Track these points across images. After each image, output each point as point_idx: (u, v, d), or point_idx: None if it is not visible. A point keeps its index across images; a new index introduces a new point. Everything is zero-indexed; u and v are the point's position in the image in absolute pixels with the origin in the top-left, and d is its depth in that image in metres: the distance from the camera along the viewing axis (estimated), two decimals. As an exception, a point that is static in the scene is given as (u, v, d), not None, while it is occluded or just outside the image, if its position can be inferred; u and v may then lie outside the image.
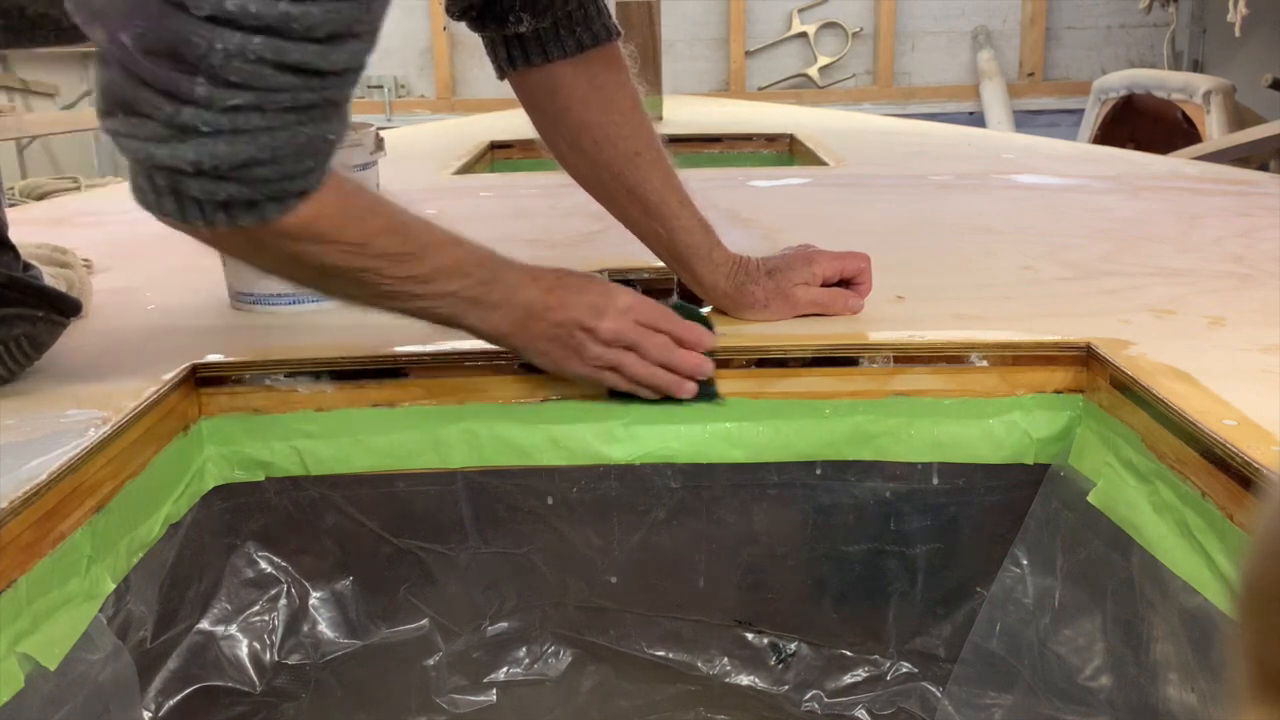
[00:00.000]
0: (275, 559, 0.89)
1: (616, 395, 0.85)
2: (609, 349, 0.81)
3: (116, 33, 0.59)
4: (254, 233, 0.66)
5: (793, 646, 0.92)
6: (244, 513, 0.88)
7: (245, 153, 0.61)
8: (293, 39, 0.59)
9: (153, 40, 0.58)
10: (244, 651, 0.87)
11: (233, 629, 0.87)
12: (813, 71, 5.53)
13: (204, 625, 0.86)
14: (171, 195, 0.63)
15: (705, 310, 0.91)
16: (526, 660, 0.93)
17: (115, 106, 0.62)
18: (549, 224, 1.39)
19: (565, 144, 0.95)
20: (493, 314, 0.78)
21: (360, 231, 0.70)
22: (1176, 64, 5.21)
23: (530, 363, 0.83)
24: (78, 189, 4.04)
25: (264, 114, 0.61)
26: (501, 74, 0.95)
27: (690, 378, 0.84)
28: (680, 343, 0.83)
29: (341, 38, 0.62)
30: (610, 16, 0.93)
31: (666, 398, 0.84)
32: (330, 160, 0.67)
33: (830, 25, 5.51)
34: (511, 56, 0.92)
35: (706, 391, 0.85)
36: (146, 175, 0.63)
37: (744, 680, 0.93)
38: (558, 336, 0.80)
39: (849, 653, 0.92)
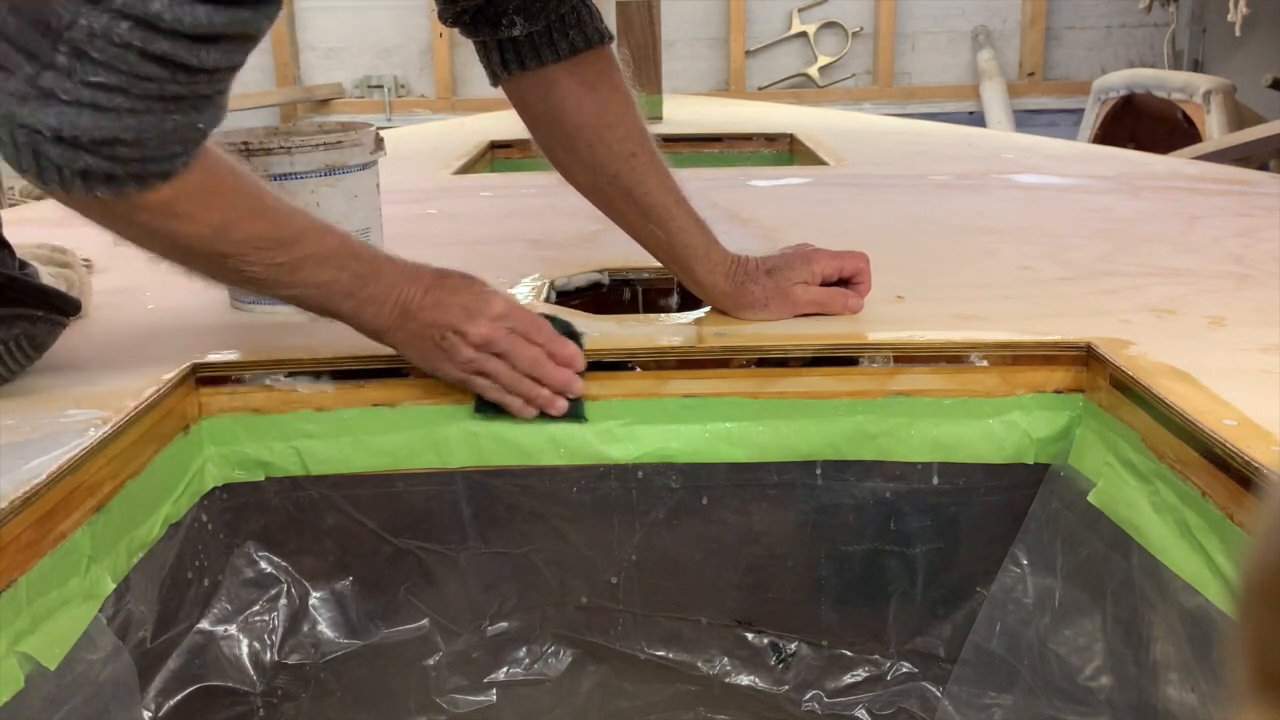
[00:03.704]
0: (275, 559, 0.89)
1: (484, 407, 0.84)
2: (479, 354, 0.80)
3: None
4: (112, 204, 0.65)
5: (793, 646, 0.92)
6: (244, 513, 0.88)
7: (108, 130, 0.60)
8: (162, 35, 0.58)
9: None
10: (244, 651, 0.87)
11: (233, 629, 0.87)
12: (813, 71, 5.53)
13: (204, 625, 0.86)
14: (31, 154, 0.62)
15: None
16: (526, 660, 0.93)
17: None
18: (549, 224, 1.39)
19: (560, 148, 0.94)
20: (366, 309, 0.78)
21: (223, 215, 0.69)
22: (1176, 64, 5.21)
23: (405, 360, 0.82)
24: (78, 189, 4.03)
25: (129, 96, 0.59)
26: (495, 80, 0.95)
27: (560, 393, 0.83)
28: (553, 357, 0.82)
29: (215, 38, 0.60)
30: (602, 20, 0.93)
31: (539, 415, 0.84)
32: (200, 146, 0.65)
33: (830, 25, 5.51)
34: (505, 61, 0.92)
35: (574, 411, 0.84)
36: (8, 129, 0.61)
37: (744, 680, 0.93)
38: (430, 337, 0.79)
39: (849, 653, 0.92)
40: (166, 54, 0.59)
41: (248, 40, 0.63)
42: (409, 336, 0.79)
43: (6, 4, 0.57)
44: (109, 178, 0.63)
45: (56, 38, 0.57)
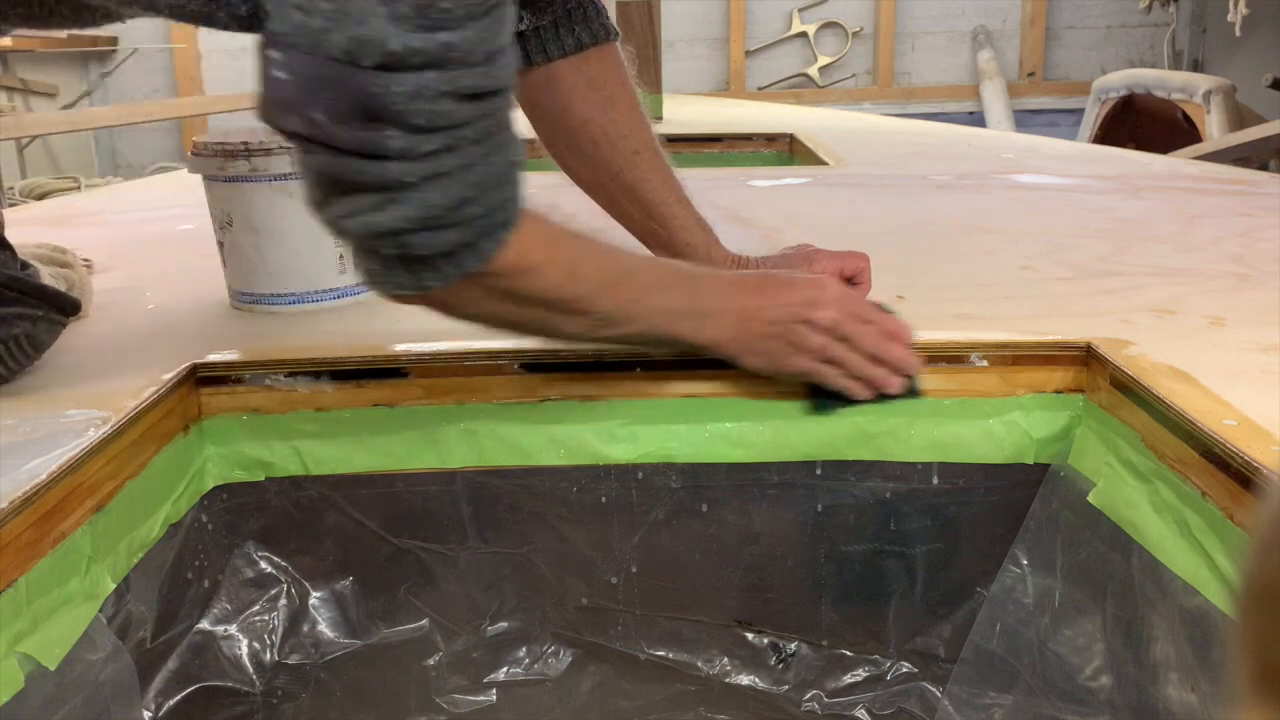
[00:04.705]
0: (275, 559, 0.89)
1: (825, 404, 0.84)
2: (828, 339, 0.80)
3: (308, 112, 0.59)
4: (482, 279, 0.66)
5: (793, 646, 0.92)
6: (244, 513, 0.88)
7: (455, 193, 0.62)
8: (459, 67, 0.60)
9: (340, 106, 0.58)
10: (244, 651, 0.87)
11: (233, 629, 0.87)
12: (813, 71, 5.53)
13: (204, 625, 0.86)
14: (400, 264, 0.64)
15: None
16: (526, 660, 0.93)
17: (329, 190, 0.62)
18: (549, 224, 1.38)
19: (564, 143, 0.95)
20: (706, 324, 0.78)
21: (567, 253, 0.71)
22: (1176, 64, 5.21)
23: (744, 366, 0.82)
24: (78, 189, 4.04)
25: (456, 153, 0.61)
26: None
27: (896, 371, 0.83)
28: (885, 334, 0.83)
29: (494, 54, 0.62)
30: (608, 17, 0.93)
31: (876, 398, 0.83)
32: (522, 188, 0.68)
33: (830, 25, 5.51)
34: None
35: (911, 387, 0.84)
36: (372, 250, 0.64)
37: (744, 680, 0.93)
38: (777, 334, 0.79)
39: (849, 653, 0.92)
40: (470, 87, 0.60)
41: (511, 48, 0.64)
42: (752, 339, 0.79)
43: (332, 119, 0.59)
44: (469, 245, 0.65)
45: (382, 121, 0.59)
